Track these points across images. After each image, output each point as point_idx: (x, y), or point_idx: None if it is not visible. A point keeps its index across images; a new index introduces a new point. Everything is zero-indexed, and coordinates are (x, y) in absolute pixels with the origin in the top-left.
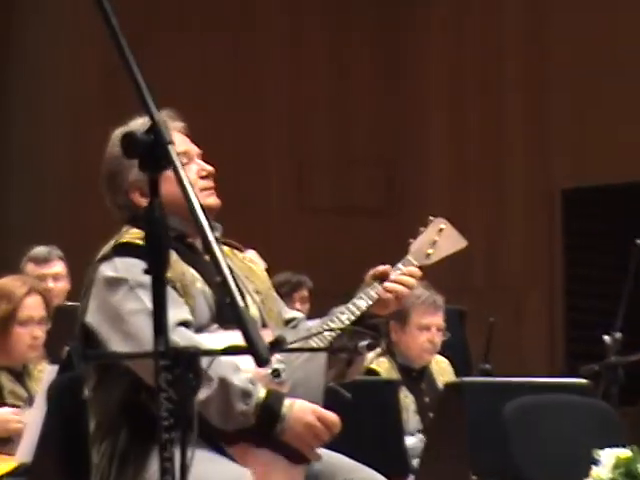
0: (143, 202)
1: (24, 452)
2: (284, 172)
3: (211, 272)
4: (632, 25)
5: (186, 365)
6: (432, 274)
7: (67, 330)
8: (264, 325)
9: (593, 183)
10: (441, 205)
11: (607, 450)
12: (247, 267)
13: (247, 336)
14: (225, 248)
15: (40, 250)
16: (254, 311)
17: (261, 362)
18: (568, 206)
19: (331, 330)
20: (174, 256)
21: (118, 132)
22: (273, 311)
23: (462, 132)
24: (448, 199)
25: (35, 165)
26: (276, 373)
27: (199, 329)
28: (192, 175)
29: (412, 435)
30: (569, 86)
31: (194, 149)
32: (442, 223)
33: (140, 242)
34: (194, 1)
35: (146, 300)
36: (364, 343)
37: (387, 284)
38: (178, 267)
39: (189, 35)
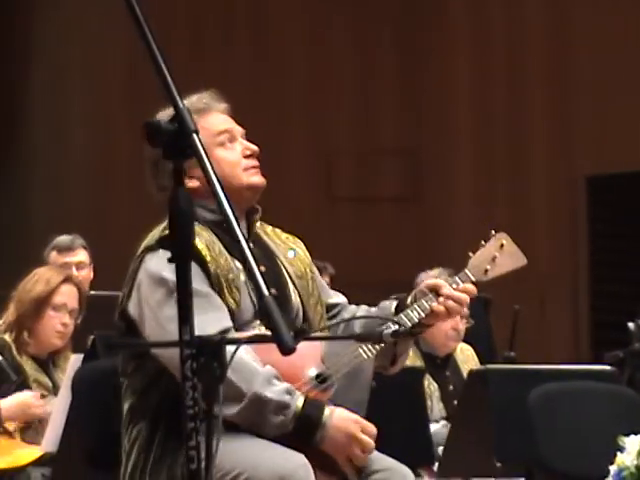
0: (188, 183)
1: (49, 442)
2: (310, 163)
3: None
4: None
5: (211, 354)
6: (455, 262)
7: (91, 319)
8: (305, 313)
9: (616, 170)
10: (465, 195)
11: (632, 437)
12: (289, 247)
13: (272, 325)
14: (268, 228)
15: (63, 239)
16: (295, 299)
17: (285, 350)
18: (592, 193)
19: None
20: (218, 248)
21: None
22: (314, 295)
23: (486, 122)
24: (472, 188)
25: (58, 160)
26: (321, 379)
27: (243, 325)
28: (236, 154)
29: (437, 422)
30: (590, 78)
31: (237, 129)
32: (504, 239)
33: None
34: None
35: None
36: (389, 331)
37: (442, 300)
38: (223, 261)
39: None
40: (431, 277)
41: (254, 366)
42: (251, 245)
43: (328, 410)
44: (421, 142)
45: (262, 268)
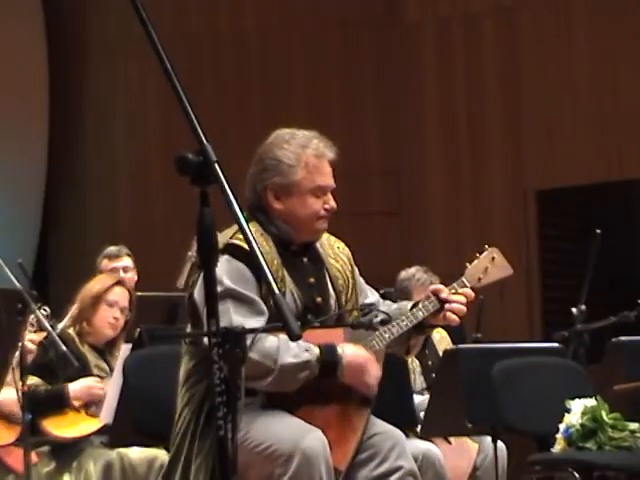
0: (273, 203)
1: (106, 415)
2: None
3: (304, 275)
4: (586, 58)
5: (234, 342)
6: (433, 261)
7: (138, 315)
8: (340, 314)
9: (560, 184)
10: (437, 208)
11: (577, 401)
12: (334, 253)
13: (282, 317)
14: (325, 236)
15: (112, 248)
16: (335, 308)
17: (293, 337)
18: (541, 204)
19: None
20: (276, 260)
21: (283, 133)
22: (351, 300)
23: (453, 148)
24: (443, 203)
25: (108, 188)
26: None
27: None
28: (318, 206)
29: (419, 391)
30: (539, 106)
31: (329, 185)
32: (495, 253)
33: (246, 246)
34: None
35: (232, 310)
36: (378, 319)
37: (448, 306)
38: (276, 269)
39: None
40: (410, 274)
41: (272, 345)
42: (305, 260)
43: (340, 349)
44: (401, 165)
45: (312, 280)
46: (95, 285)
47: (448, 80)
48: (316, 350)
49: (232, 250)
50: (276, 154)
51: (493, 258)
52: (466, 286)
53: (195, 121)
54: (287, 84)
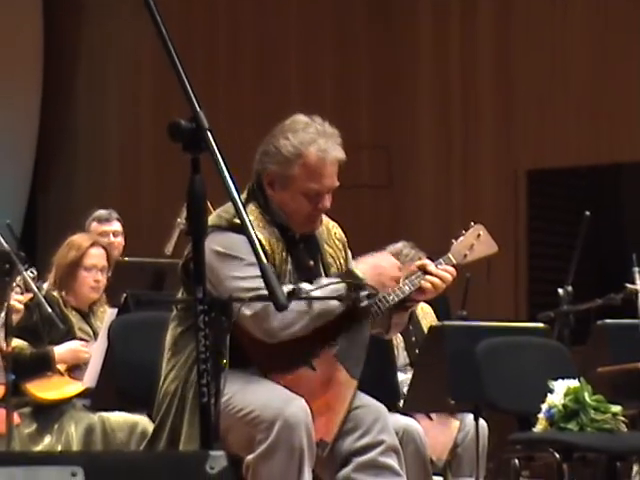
0: (268, 189)
1: (89, 379)
2: None
3: (300, 258)
4: (578, 41)
5: (219, 310)
6: (421, 236)
7: (124, 281)
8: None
9: (550, 165)
10: (427, 183)
11: (560, 381)
12: (330, 239)
13: (269, 287)
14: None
15: (102, 212)
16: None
17: (280, 307)
18: (530, 184)
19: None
20: (274, 239)
21: (298, 121)
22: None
23: (445, 123)
24: (433, 178)
25: (97, 149)
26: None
27: None
28: (310, 207)
29: (402, 367)
30: (531, 86)
31: (326, 189)
32: (480, 230)
33: (237, 221)
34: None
35: (236, 273)
36: (364, 293)
37: (428, 277)
38: (276, 249)
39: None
40: (396, 249)
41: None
42: (301, 245)
43: (355, 265)
44: (392, 139)
45: (311, 262)
46: (70, 251)
47: (442, 57)
48: (334, 277)
49: (233, 229)
50: (279, 142)
51: (479, 235)
52: (452, 262)
53: (189, 88)
54: (280, 56)
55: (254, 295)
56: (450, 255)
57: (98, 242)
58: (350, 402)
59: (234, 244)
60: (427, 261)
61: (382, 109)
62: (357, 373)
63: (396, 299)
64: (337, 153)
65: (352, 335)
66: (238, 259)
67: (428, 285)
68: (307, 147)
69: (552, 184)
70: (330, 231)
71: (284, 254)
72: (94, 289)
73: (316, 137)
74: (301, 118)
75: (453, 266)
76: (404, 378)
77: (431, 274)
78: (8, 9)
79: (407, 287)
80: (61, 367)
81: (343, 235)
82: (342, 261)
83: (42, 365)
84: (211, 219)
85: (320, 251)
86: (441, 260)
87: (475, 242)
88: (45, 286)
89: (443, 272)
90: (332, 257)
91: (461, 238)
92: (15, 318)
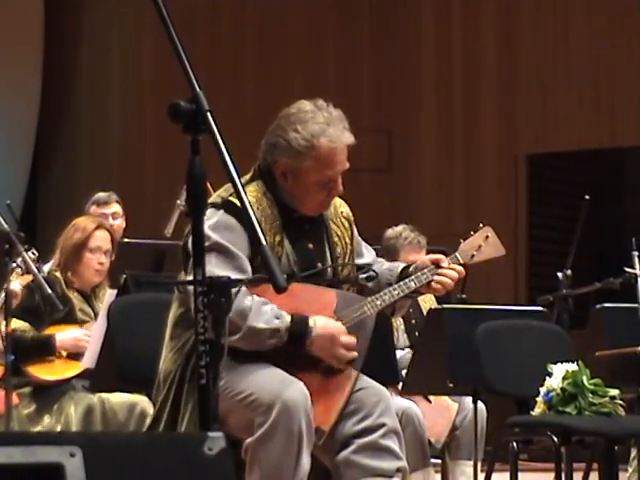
0: (280, 178)
1: (89, 359)
2: None
3: (302, 239)
4: (580, 32)
5: (219, 291)
6: (422, 220)
7: (124, 262)
8: (335, 275)
9: (550, 149)
10: (428, 167)
11: (558, 365)
12: (337, 217)
13: (268, 269)
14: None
15: (101, 194)
16: (329, 270)
17: (279, 289)
18: (531, 168)
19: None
20: (277, 222)
21: (304, 109)
22: (347, 268)
23: (446, 107)
24: (434, 161)
25: (99, 128)
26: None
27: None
28: (322, 195)
29: (402, 350)
30: (532, 71)
31: (339, 174)
32: (489, 232)
33: (237, 202)
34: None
35: (213, 262)
36: (364, 275)
37: (438, 278)
38: (275, 232)
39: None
40: (397, 232)
41: (247, 305)
42: (307, 226)
43: (312, 321)
44: (393, 123)
45: (310, 245)
46: (75, 233)
47: (444, 41)
48: (288, 319)
49: (227, 206)
50: (289, 136)
51: (487, 237)
52: (459, 262)
53: (189, 70)
54: (283, 39)
55: (255, 277)
56: (457, 255)
57: (103, 225)
58: (349, 391)
59: (218, 228)
60: (441, 256)
61: (384, 93)
62: (358, 364)
63: (401, 294)
64: (347, 139)
65: (357, 327)
66: (229, 252)
67: (439, 287)
68: (318, 139)
69: (553, 168)
70: (337, 209)
71: (277, 237)
72: (98, 272)
73: (325, 127)
74: (306, 106)
75: (461, 265)
76: (402, 355)
77: (443, 272)
78: None
79: (413, 283)
80: (64, 353)
81: (350, 213)
82: (348, 240)
83: (43, 350)
84: (210, 199)
85: (327, 231)
86: (449, 259)
87: (483, 244)
88: (46, 268)
89: (452, 272)
90: (338, 236)
91: (469, 239)
92: (14, 301)
